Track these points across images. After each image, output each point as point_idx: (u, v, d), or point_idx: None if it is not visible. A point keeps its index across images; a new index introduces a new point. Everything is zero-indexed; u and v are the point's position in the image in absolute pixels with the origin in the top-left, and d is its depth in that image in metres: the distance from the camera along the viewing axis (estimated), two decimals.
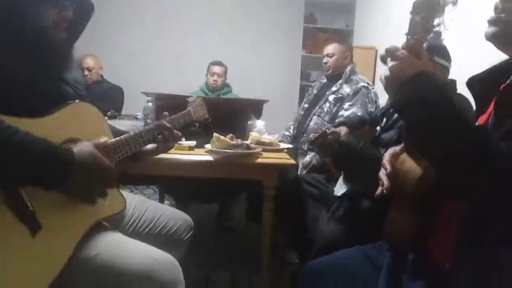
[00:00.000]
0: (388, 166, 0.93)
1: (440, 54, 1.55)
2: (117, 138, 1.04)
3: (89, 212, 0.96)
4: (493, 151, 0.66)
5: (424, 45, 0.77)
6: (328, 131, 1.51)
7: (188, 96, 1.51)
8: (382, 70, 0.78)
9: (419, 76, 0.71)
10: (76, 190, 0.88)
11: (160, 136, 1.21)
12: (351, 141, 1.45)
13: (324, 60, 2.53)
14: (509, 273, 0.72)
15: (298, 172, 2.19)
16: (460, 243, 0.76)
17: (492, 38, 0.80)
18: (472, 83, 0.90)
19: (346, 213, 1.48)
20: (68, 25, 0.98)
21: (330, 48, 2.53)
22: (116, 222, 1.17)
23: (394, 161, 0.93)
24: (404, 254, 0.89)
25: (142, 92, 2.17)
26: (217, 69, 3.40)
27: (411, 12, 0.74)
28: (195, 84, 3.51)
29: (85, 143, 0.91)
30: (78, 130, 0.96)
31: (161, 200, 2.78)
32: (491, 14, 0.80)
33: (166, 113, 1.27)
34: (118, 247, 0.97)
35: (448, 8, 2.48)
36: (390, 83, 0.75)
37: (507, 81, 0.81)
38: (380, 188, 0.93)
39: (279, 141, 2.02)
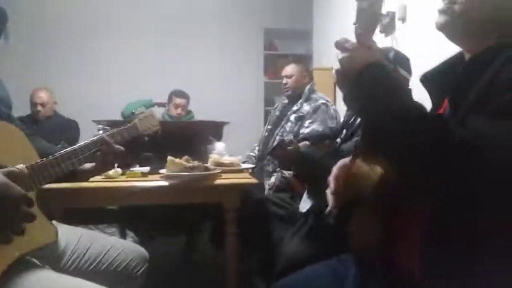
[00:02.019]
0: (332, 185, 0.88)
1: (403, 65, 1.57)
2: (44, 159, 0.92)
3: (8, 247, 0.80)
4: (452, 138, 0.62)
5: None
6: (286, 140, 1.46)
7: None
8: (335, 65, 0.74)
9: (370, 66, 0.68)
10: None
11: (98, 152, 1.09)
12: (311, 152, 1.41)
13: (284, 81, 2.53)
14: (477, 275, 0.66)
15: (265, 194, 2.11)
16: (427, 247, 0.70)
17: (443, 28, 0.78)
18: (426, 78, 0.88)
19: (311, 230, 1.41)
20: None
21: (289, 69, 2.53)
22: (55, 259, 1.03)
23: (345, 172, 0.88)
24: (371, 263, 0.81)
25: (93, 121, 2.06)
26: (180, 101, 3.35)
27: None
28: (158, 110, 3.41)
29: None
30: None
31: (123, 236, 2.60)
32: (440, 3, 0.78)
33: (107, 127, 1.16)
34: (45, 286, 0.83)
35: (398, 24, 2.57)
36: (342, 76, 0.72)
37: (460, 73, 0.78)
38: (328, 207, 0.87)
39: (243, 162, 1.95)
